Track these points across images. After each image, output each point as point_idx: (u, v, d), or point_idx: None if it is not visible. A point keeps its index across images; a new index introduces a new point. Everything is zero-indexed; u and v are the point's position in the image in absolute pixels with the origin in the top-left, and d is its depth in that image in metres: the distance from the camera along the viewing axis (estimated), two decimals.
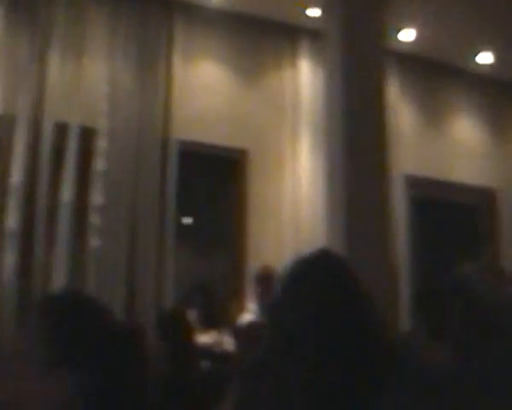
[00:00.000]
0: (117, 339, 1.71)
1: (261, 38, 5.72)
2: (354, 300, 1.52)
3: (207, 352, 4.16)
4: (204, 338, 4.31)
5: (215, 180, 5.64)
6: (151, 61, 4.77)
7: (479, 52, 6.46)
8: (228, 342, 4.28)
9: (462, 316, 1.94)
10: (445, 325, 2.15)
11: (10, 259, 4.12)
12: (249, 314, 4.55)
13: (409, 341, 2.81)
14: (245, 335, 3.66)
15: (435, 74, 6.58)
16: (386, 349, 1.50)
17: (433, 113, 6.62)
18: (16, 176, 4.24)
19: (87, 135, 4.42)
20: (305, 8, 5.51)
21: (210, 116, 5.31)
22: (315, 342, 1.47)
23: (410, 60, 6.29)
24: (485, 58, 6.52)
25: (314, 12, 5.50)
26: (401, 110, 6.21)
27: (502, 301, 2.00)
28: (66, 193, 4.34)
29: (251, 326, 3.84)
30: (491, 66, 6.61)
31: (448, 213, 6.70)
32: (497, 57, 6.49)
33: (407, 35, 6.03)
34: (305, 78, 5.79)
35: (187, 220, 5.83)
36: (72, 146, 4.35)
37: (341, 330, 1.47)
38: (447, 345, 1.98)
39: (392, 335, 2.33)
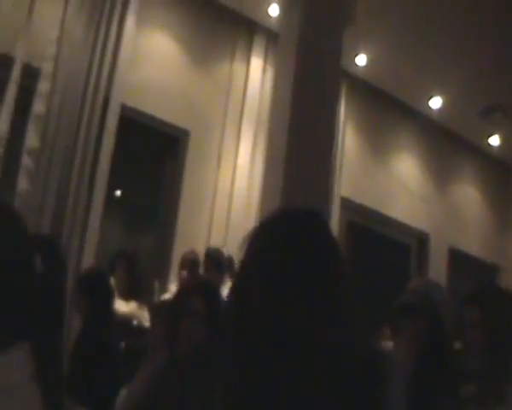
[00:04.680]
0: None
1: (218, 24, 5.74)
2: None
3: (123, 322, 4.05)
4: (122, 307, 4.22)
5: (152, 155, 5.63)
6: (104, 17, 4.78)
7: (431, 95, 6.63)
8: (145, 318, 4.09)
9: None
10: None
11: None
12: (170, 295, 4.32)
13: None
14: (156, 312, 3.56)
15: (383, 106, 6.73)
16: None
17: (376, 144, 6.78)
18: None
19: (30, 74, 4.41)
20: (268, 4, 5.58)
21: (155, 88, 5.32)
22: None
23: (358, 85, 6.45)
24: (435, 102, 6.70)
25: (275, 10, 5.53)
26: (345, 133, 6.36)
27: None
28: (2, 126, 4.30)
29: (164, 305, 3.65)
30: (439, 110, 6.81)
31: (381, 245, 6.82)
32: (446, 103, 6.69)
33: (359, 60, 6.11)
34: (256, 75, 5.85)
35: (117, 192, 5.72)
36: (13, 80, 4.33)
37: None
38: None
39: None
